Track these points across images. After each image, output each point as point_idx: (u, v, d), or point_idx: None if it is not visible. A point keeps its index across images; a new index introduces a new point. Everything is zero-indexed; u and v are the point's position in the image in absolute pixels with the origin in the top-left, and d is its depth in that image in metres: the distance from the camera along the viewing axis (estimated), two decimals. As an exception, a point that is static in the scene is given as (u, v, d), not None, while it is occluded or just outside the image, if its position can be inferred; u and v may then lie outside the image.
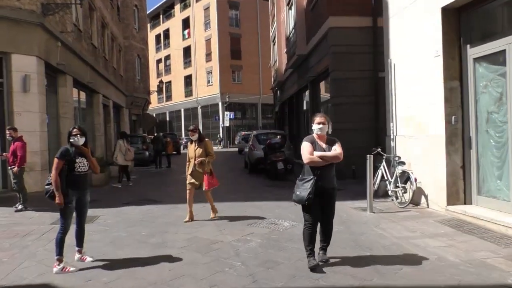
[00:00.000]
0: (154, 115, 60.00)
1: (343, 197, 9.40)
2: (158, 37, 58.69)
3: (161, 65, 58.77)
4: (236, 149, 37.81)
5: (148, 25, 54.46)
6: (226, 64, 46.22)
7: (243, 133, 43.93)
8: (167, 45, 56.97)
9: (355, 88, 12.82)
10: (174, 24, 54.72)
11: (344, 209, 7.95)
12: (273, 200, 9.31)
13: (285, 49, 21.75)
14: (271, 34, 28.58)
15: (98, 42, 18.88)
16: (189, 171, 7.26)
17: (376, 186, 8.80)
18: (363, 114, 12.79)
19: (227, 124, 44.79)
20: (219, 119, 45.50)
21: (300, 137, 20.55)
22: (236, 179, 14.42)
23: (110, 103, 21.80)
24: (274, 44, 27.13)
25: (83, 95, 17.37)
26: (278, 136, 14.56)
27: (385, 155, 8.94)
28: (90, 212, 8.34)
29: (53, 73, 12.91)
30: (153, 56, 58.89)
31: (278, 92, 28.08)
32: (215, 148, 43.96)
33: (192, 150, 7.24)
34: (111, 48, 22.78)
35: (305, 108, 19.71)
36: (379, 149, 8.96)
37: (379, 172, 8.87)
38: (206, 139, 7.40)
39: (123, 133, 13.27)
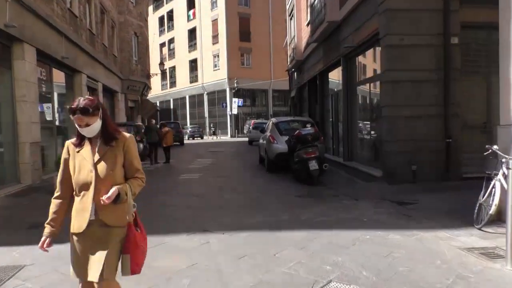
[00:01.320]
0: (157, 103, 56.50)
1: (426, 220, 5.98)
2: (161, 19, 55.07)
3: (165, 49, 55.22)
4: (246, 139, 34.43)
5: (151, 6, 50.87)
6: (235, 46, 42.60)
7: (252, 121, 40.54)
8: (171, 28, 53.35)
9: (417, 59, 9.28)
10: (178, 5, 50.96)
11: (445, 250, 4.60)
12: (319, 227, 5.83)
13: (307, 21, 18.14)
14: (287, 6, 24.86)
15: (80, 11, 15.41)
16: (74, 226, 2.56)
17: (492, 208, 5.32)
18: (427, 94, 9.29)
19: (235, 112, 41.35)
20: (226, 106, 42.03)
21: (325, 127, 17.07)
22: (252, 182, 10.95)
23: (99, 86, 18.40)
24: (291, 18, 23.45)
25: (60, 75, 14.00)
26: (308, 125, 11.02)
27: (508, 157, 5.41)
28: (15, 257, 4.70)
29: (5, 40, 9.51)
30: (156, 39, 55.36)
31: (295, 74, 24.51)
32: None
33: (86, 164, 2.55)
34: (100, 22, 19.30)
35: (332, 91, 16.20)
36: (494, 147, 5.46)
37: (496, 186, 5.38)
38: (127, 135, 2.68)
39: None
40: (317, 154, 9.58)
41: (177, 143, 25.43)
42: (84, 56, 15.55)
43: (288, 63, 24.84)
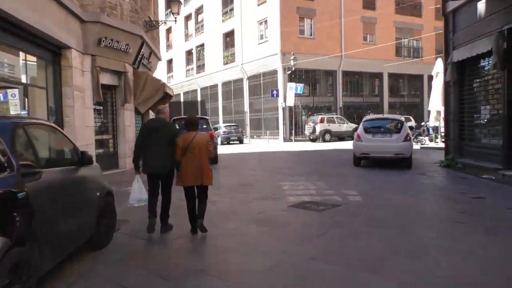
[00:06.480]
0: (181, 95, 42.60)
1: None
2: (186, -18, 41.89)
3: (191, 23, 41.96)
4: (321, 147, 20.13)
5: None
6: (290, 7, 28.70)
7: (320, 117, 26.51)
8: (198, -8, 40.07)
9: None
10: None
11: None
12: None
13: None
14: None
15: None
16: None
17: None
18: None
19: (291, 103, 27.51)
20: (278, 95, 28.21)
21: None
22: None
23: None
24: None
25: None
26: None
27: None
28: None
29: None
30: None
31: (476, 11, 10.44)
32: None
33: None
34: None
35: None
36: None
37: None
38: None
39: None
40: None
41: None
42: None
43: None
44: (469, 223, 5.65)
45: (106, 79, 12.15)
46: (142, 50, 13.72)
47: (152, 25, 14.52)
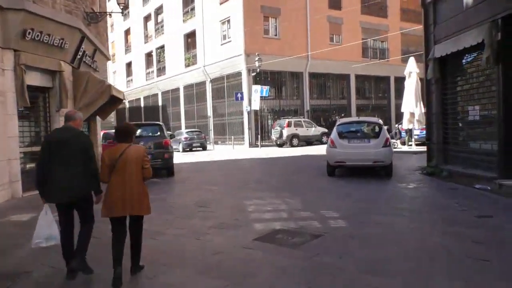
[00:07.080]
0: (141, 100, 40.14)
1: None
2: (143, -19, 39.73)
3: (151, 24, 39.81)
4: (292, 152, 18.62)
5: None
6: (254, 6, 27.24)
7: (287, 121, 25.17)
8: (157, -9, 37.97)
9: None
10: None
11: None
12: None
13: None
14: None
15: None
16: None
17: None
18: None
19: (256, 106, 25.97)
20: (243, 98, 26.64)
21: None
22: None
23: None
24: None
25: None
26: None
27: None
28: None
29: None
30: (139, 11, 39.93)
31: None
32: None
33: None
34: None
35: None
36: None
37: None
38: None
39: None
40: None
41: (156, 178, 10.51)
42: None
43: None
44: (496, 261, 4.24)
45: (35, 79, 10.16)
46: (82, 46, 11.78)
47: (94, 18, 12.58)
